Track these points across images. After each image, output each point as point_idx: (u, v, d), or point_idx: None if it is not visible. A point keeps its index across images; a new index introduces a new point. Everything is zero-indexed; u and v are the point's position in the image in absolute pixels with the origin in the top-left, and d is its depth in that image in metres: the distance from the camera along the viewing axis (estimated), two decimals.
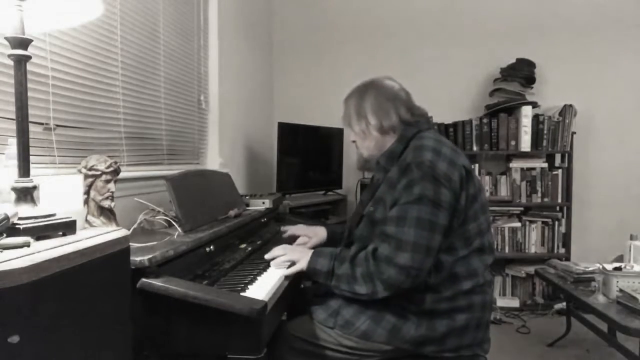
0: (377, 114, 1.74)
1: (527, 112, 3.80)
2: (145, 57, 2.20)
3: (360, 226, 1.79)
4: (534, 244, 3.93)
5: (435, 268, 1.55)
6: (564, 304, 3.46)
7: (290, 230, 2.19)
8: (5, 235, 0.95)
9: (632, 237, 2.98)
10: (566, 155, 3.93)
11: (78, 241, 1.01)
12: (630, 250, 2.93)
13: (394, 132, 1.75)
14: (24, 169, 1.09)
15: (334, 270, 1.60)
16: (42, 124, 1.56)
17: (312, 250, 1.72)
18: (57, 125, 1.63)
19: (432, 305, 1.57)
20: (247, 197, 2.63)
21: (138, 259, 1.25)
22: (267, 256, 1.77)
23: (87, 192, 1.43)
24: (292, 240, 2.10)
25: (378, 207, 1.68)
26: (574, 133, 3.86)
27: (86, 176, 1.43)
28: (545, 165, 3.92)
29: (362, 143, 1.82)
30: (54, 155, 1.60)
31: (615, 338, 2.78)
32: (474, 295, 1.60)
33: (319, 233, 2.10)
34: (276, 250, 1.77)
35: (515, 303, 3.91)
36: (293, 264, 1.71)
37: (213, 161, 2.95)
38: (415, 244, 1.48)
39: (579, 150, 3.96)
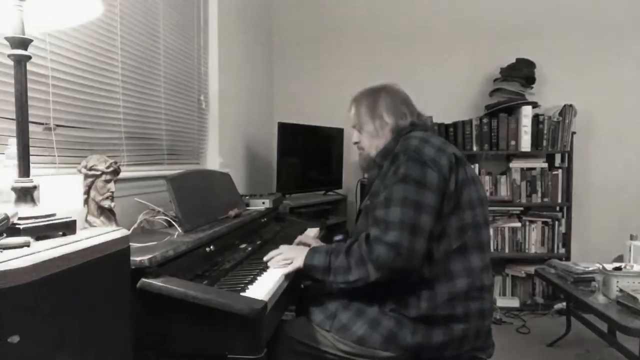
0: (394, 115, 1.78)
1: (527, 112, 3.80)
2: (145, 57, 2.20)
3: (359, 220, 1.82)
4: (534, 244, 3.93)
5: (427, 259, 1.54)
6: (564, 304, 3.46)
7: (297, 239, 2.15)
8: (5, 235, 0.95)
9: (632, 237, 2.98)
10: (566, 155, 3.93)
11: (78, 241, 1.01)
12: (630, 250, 2.93)
13: (400, 132, 1.77)
14: (24, 169, 1.09)
15: (330, 264, 1.61)
16: (42, 124, 1.56)
17: (308, 248, 1.73)
18: (57, 125, 1.63)
19: (428, 311, 1.56)
20: (247, 197, 2.63)
21: (138, 259, 1.25)
22: (265, 258, 1.77)
23: (87, 192, 1.43)
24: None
25: (373, 200, 1.69)
26: (574, 133, 3.86)
27: (86, 176, 1.43)
28: (545, 165, 3.91)
29: (371, 142, 1.82)
30: (54, 155, 1.60)
31: (615, 338, 2.77)
32: (470, 302, 1.58)
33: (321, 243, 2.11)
34: (273, 251, 1.79)
35: (515, 303, 3.90)
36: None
37: (213, 161, 2.95)
38: (402, 222, 1.49)
39: (579, 150, 3.96)
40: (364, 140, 1.85)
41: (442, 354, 1.57)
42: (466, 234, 1.59)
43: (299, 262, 1.68)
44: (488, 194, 3.93)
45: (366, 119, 1.82)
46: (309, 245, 2.08)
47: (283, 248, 1.80)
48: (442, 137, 1.77)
